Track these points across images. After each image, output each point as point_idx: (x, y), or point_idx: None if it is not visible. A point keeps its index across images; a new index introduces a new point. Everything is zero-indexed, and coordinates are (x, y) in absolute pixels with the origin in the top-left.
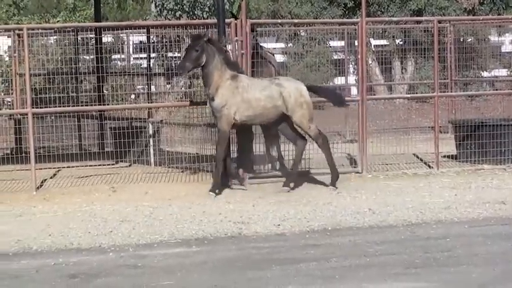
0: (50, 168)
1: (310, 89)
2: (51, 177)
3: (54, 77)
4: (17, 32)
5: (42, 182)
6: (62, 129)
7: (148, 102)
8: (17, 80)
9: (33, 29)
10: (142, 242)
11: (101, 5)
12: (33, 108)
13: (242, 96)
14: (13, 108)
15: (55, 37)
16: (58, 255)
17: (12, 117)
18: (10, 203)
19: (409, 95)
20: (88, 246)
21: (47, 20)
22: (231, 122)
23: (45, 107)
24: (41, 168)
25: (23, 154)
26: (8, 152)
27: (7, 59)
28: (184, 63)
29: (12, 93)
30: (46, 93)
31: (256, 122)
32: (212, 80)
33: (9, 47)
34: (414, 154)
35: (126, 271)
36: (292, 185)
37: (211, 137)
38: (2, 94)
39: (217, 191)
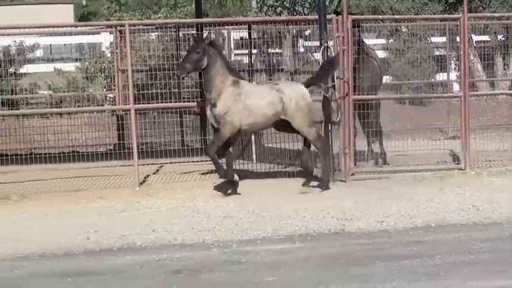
0: (153, 164)
1: (310, 84)
2: (154, 173)
3: (156, 73)
4: (118, 28)
5: (145, 178)
6: (164, 125)
7: None
8: (119, 76)
9: (134, 25)
10: (245, 238)
11: (202, 2)
12: (135, 104)
13: (244, 103)
14: (115, 105)
15: (156, 33)
16: (162, 251)
17: (114, 113)
18: (113, 198)
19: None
20: (191, 242)
21: (148, 16)
22: (235, 128)
23: (147, 103)
24: (144, 164)
25: (126, 150)
26: (111, 148)
27: (109, 55)
28: (185, 64)
29: (114, 90)
30: (148, 89)
31: (256, 129)
32: (214, 85)
33: (111, 43)
34: None
35: (229, 267)
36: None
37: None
38: (104, 90)
39: (228, 191)
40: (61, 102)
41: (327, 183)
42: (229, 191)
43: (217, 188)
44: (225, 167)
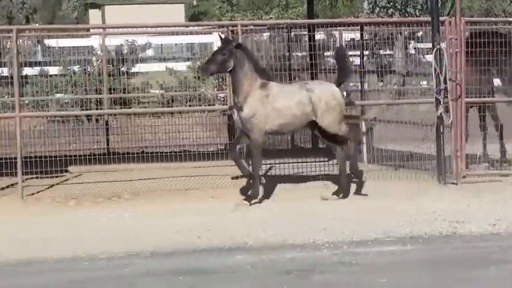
0: (264, 164)
1: (340, 82)
2: (263, 175)
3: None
4: (230, 28)
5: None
6: None
7: (361, 100)
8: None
9: (246, 26)
10: (356, 239)
11: (314, 3)
12: None
13: (272, 105)
14: (226, 104)
15: (267, 34)
16: (272, 251)
17: (225, 113)
18: (224, 198)
19: None
20: (302, 243)
21: (259, 16)
22: (263, 132)
23: None
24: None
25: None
26: (222, 147)
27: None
28: (209, 65)
29: (225, 89)
30: None
31: (286, 130)
32: (241, 88)
33: None
34: None
35: (340, 268)
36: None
37: (426, 135)
38: (215, 90)
39: (252, 201)
40: (172, 101)
41: (347, 185)
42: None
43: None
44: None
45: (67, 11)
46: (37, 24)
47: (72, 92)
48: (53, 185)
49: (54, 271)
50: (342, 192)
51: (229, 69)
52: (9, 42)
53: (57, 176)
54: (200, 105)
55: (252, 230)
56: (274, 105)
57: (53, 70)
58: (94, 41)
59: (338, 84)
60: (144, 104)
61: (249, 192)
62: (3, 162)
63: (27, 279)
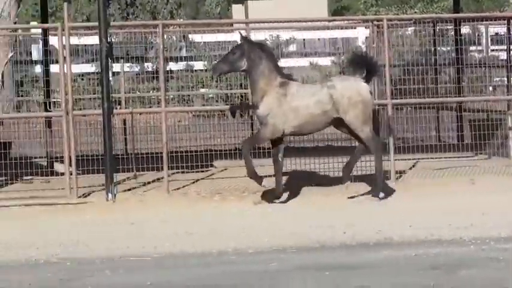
0: (408, 159)
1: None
2: (409, 169)
3: (412, 68)
4: (375, 23)
5: (400, 173)
6: (419, 121)
7: (507, 94)
8: None
9: (391, 20)
10: (503, 235)
11: None
12: (392, 99)
13: (290, 105)
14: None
15: (412, 28)
16: (419, 247)
17: None
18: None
19: None
20: (449, 238)
21: (404, 11)
22: (278, 132)
23: (402, 98)
24: (399, 160)
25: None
26: None
27: (364, 49)
28: (219, 64)
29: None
30: (404, 85)
31: (306, 131)
32: (258, 87)
33: (366, 37)
34: None
35: (488, 264)
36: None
37: None
38: None
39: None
40: None
41: (381, 189)
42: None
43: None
44: (254, 168)
45: (210, 6)
46: (181, 20)
47: (217, 86)
48: (198, 180)
49: (198, 265)
50: (375, 190)
51: (242, 68)
52: (154, 37)
53: (202, 171)
54: None
55: (396, 226)
56: (292, 104)
57: (198, 65)
58: (238, 36)
59: (367, 81)
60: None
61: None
62: (150, 157)
63: (167, 274)
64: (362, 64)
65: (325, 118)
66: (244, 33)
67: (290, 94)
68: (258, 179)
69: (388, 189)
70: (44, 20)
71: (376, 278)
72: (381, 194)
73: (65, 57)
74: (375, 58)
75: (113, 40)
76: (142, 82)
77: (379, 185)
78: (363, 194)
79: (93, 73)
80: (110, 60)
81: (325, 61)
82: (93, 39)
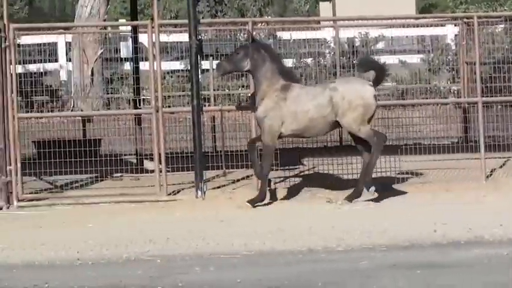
0: (499, 157)
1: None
2: (500, 167)
3: (502, 66)
4: (465, 20)
5: (491, 172)
6: (509, 119)
7: None
8: (464, 68)
9: (481, 18)
10: None
11: None
12: (482, 97)
13: (289, 108)
14: (460, 97)
15: (502, 26)
16: (510, 246)
17: (459, 105)
18: (459, 191)
19: None
20: None
21: (494, 8)
22: (276, 135)
23: (492, 96)
24: (490, 158)
25: (471, 143)
26: (455, 140)
27: (454, 47)
28: (223, 63)
29: (458, 82)
30: (494, 83)
31: (309, 134)
32: (260, 88)
33: (455, 35)
34: None
35: None
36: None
37: None
38: (449, 83)
39: (256, 204)
40: (405, 94)
41: (361, 191)
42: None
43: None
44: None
45: (299, 3)
46: (269, 17)
47: (305, 84)
48: (287, 177)
49: (289, 263)
50: (353, 196)
51: (245, 69)
52: (243, 35)
53: (291, 169)
54: (433, 98)
55: (487, 224)
56: (290, 108)
57: (286, 62)
58: (326, 34)
59: (375, 85)
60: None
61: (256, 196)
62: (239, 154)
63: (257, 271)
64: (370, 68)
65: (326, 122)
66: (250, 31)
67: (290, 98)
68: (264, 183)
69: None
70: (134, 17)
71: (467, 277)
72: (371, 188)
73: (154, 55)
74: (382, 62)
75: (202, 37)
76: (231, 80)
77: (364, 184)
78: None
79: (181, 70)
80: (199, 58)
81: (413, 59)
82: (182, 37)
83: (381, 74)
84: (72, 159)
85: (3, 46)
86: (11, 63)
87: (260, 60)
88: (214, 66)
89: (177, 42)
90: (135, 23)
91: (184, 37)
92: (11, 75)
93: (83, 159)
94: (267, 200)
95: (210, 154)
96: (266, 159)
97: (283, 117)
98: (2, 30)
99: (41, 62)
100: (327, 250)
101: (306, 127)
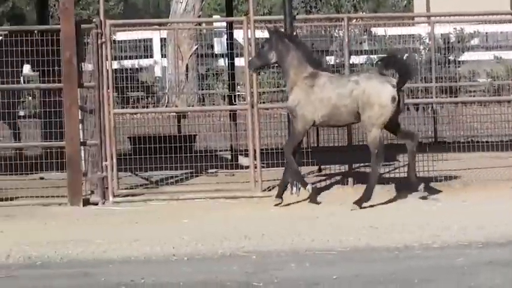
0: None
1: (400, 85)
2: None
3: None
4: None
5: None
6: None
7: None
8: None
9: None
10: None
11: None
12: None
13: (317, 96)
14: None
15: None
16: None
17: None
18: None
19: None
20: None
21: None
22: (309, 123)
23: None
24: None
25: None
26: None
27: None
28: (253, 59)
29: None
30: None
31: (334, 122)
32: (288, 78)
33: None
34: None
35: None
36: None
37: None
38: None
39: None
40: (500, 90)
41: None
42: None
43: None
44: (298, 169)
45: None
46: (364, 13)
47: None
48: (382, 174)
49: (384, 259)
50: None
51: (272, 61)
52: (337, 31)
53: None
54: None
55: None
56: (319, 95)
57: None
58: (421, 29)
59: (399, 86)
60: (471, 93)
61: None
62: (334, 151)
63: (353, 267)
64: (392, 67)
65: (348, 111)
66: (267, 26)
67: (318, 85)
68: (303, 182)
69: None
70: (229, 13)
71: None
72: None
73: (250, 51)
74: (410, 61)
75: (297, 33)
76: None
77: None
78: None
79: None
80: None
81: (509, 55)
82: None
83: (404, 74)
84: (168, 155)
85: (99, 42)
86: (107, 59)
87: (285, 50)
88: None
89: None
90: (230, 19)
91: None
92: (107, 71)
93: (178, 155)
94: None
95: (305, 150)
96: (290, 145)
97: (313, 104)
98: (98, 27)
99: (136, 58)
100: (422, 246)
101: (331, 114)
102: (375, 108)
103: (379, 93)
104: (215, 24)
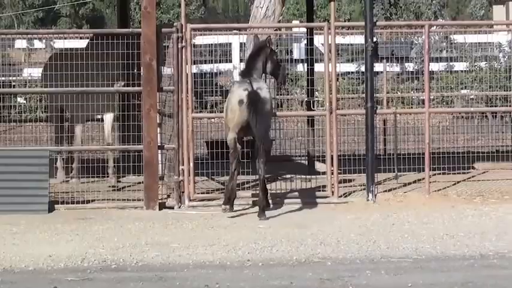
0: None
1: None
2: None
3: None
4: None
5: None
6: None
7: None
8: None
9: None
10: None
11: None
12: None
13: None
14: None
15: None
16: None
17: None
18: None
19: None
20: None
21: None
22: None
23: None
24: None
25: None
26: None
27: None
28: None
29: None
30: None
31: None
32: None
33: None
34: None
35: None
36: None
37: None
38: None
39: None
40: None
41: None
42: None
43: None
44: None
45: (474, 8)
46: (443, 20)
47: (478, 88)
48: (458, 181)
49: (460, 268)
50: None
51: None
52: (416, 38)
53: (462, 173)
54: None
55: None
56: None
57: (458, 66)
58: (500, 37)
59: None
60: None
61: None
62: (410, 158)
63: (428, 276)
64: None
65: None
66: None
67: None
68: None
69: None
70: (310, 18)
71: None
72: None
73: (330, 57)
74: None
75: (377, 40)
76: (403, 82)
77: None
78: None
79: (352, 72)
80: (374, 60)
81: None
82: (354, 39)
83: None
84: (244, 160)
85: (179, 46)
86: (186, 63)
87: None
88: (388, 69)
89: (348, 44)
90: (311, 24)
91: (355, 39)
92: (187, 75)
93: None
94: (437, 205)
95: (381, 157)
96: None
97: None
98: (179, 30)
99: (214, 62)
100: (498, 256)
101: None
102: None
103: (230, 98)
104: (294, 30)
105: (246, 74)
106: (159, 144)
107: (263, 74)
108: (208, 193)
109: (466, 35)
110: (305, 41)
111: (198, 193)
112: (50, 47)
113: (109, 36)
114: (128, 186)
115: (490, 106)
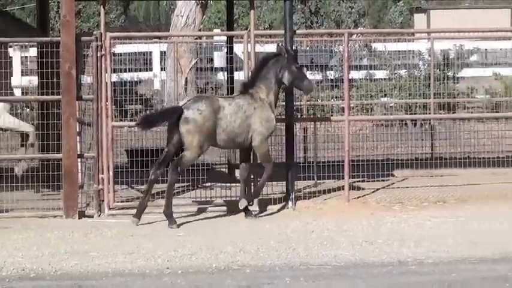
0: None
1: None
2: None
3: None
4: None
5: None
6: None
7: None
8: None
9: None
10: None
11: None
12: None
13: None
14: None
15: None
16: None
17: None
18: None
19: None
20: None
21: None
22: None
23: None
24: None
25: None
26: None
27: None
28: None
29: None
30: None
31: None
32: None
33: None
34: None
35: None
36: None
37: None
38: None
39: None
40: (498, 107)
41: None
42: None
43: None
44: None
45: (393, 15)
46: (363, 28)
47: (398, 96)
48: (377, 189)
49: (379, 275)
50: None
51: None
52: (337, 46)
53: (382, 180)
54: None
55: None
56: None
57: (379, 74)
58: (420, 45)
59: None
60: (469, 109)
61: None
62: (330, 165)
63: (347, 283)
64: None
65: None
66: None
67: None
68: None
69: None
70: (230, 27)
71: None
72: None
73: (249, 65)
74: None
75: (297, 48)
76: (323, 90)
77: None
78: None
79: None
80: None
81: (507, 71)
82: (274, 47)
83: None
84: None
85: (99, 55)
86: (106, 72)
87: None
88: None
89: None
90: (231, 33)
91: (275, 48)
92: (106, 83)
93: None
94: (357, 212)
95: (301, 165)
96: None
97: None
98: (98, 39)
99: (135, 71)
100: (416, 262)
101: None
102: None
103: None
104: (215, 38)
105: (245, 85)
106: (78, 153)
107: (282, 85)
108: (128, 201)
109: (386, 43)
110: (225, 50)
111: (118, 201)
112: None
113: None
114: (47, 195)
115: (410, 114)
